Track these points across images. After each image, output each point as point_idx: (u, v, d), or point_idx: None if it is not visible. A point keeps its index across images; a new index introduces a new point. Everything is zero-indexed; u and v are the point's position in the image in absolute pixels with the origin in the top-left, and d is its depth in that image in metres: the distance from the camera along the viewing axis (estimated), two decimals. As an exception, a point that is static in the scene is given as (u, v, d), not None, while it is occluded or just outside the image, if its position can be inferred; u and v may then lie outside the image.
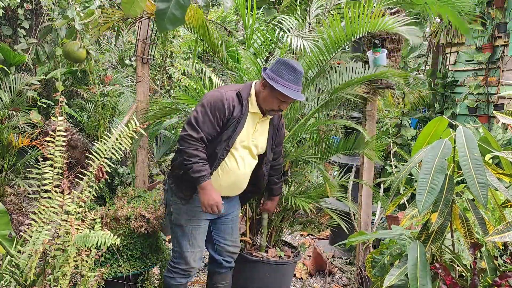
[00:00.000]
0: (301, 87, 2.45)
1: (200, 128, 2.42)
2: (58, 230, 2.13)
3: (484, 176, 1.57)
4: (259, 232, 3.19)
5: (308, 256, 4.16)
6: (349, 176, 3.69)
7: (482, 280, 1.77)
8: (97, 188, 2.33)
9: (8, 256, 2.09)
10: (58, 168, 2.24)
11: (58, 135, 2.25)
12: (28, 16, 5.54)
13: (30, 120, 4.60)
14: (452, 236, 1.96)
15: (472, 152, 1.62)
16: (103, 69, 5.91)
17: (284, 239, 3.46)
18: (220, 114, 2.43)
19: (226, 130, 2.47)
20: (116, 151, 2.33)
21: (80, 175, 2.32)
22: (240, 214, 3.24)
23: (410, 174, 4.66)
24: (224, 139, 2.47)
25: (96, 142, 2.39)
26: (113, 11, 3.29)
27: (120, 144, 2.34)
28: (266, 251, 3.17)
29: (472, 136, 1.68)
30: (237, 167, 2.55)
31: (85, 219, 2.26)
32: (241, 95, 2.49)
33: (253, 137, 2.56)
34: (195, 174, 2.39)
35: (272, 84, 2.38)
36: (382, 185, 4.07)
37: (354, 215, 3.79)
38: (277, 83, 2.38)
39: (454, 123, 1.91)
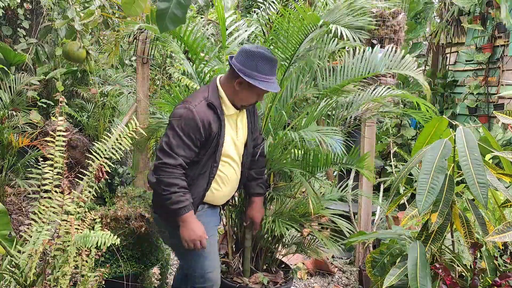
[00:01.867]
0: (275, 76, 2.25)
1: (176, 154, 2.16)
2: (58, 230, 2.13)
3: (484, 176, 1.57)
4: (243, 253, 2.87)
5: (308, 256, 4.16)
6: (349, 180, 3.65)
7: (482, 280, 1.76)
8: (97, 188, 2.33)
9: (8, 256, 2.09)
10: (58, 168, 2.24)
11: (58, 135, 2.25)
12: (28, 16, 5.54)
13: (30, 120, 4.60)
14: (452, 236, 1.96)
15: (472, 152, 1.62)
16: (103, 69, 5.91)
17: (281, 258, 3.13)
18: (195, 135, 2.19)
19: (208, 149, 2.26)
20: (116, 151, 2.33)
21: (80, 175, 2.32)
22: (222, 233, 3.06)
23: (410, 174, 4.66)
24: (209, 159, 2.27)
25: (96, 142, 2.39)
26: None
27: (120, 144, 2.34)
28: (251, 276, 2.85)
29: (472, 136, 1.68)
30: (234, 172, 2.40)
31: (85, 219, 2.26)
32: (214, 104, 2.24)
33: (237, 137, 2.38)
34: (174, 205, 2.15)
35: (253, 82, 2.17)
36: (382, 185, 4.07)
37: (354, 215, 3.79)
38: (258, 81, 2.17)
39: (454, 123, 1.91)
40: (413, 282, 1.60)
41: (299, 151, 2.73)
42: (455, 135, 1.80)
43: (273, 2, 3.04)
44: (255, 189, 2.58)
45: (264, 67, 2.18)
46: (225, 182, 2.38)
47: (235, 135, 2.37)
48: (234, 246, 2.95)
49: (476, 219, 1.86)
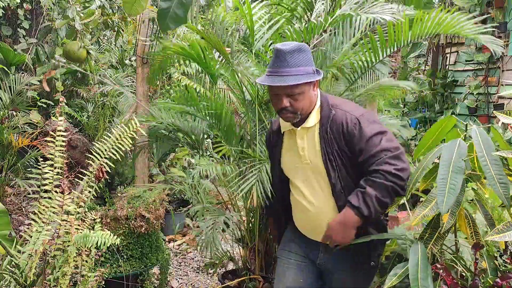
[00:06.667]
0: (285, 69, 1.80)
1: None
2: (58, 230, 2.13)
3: (504, 176, 1.55)
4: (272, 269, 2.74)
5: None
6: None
7: (483, 281, 1.76)
8: (97, 188, 2.33)
9: (8, 256, 2.09)
10: (58, 168, 2.24)
11: (58, 135, 2.25)
12: (28, 16, 5.54)
13: (30, 120, 4.60)
14: (455, 236, 1.96)
15: (489, 152, 1.61)
16: (103, 69, 5.91)
17: None
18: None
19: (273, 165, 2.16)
20: (116, 151, 2.33)
21: (80, 175, 2.32)
22: (249, 247, 2.90)
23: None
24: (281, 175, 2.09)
25: (96, 142, 2.39)
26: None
27: (120, 144, 2.34)
28: None
29: (486, 135, 1.67)
30: (302, 204, 1.97)
31: (85, 219, 2.26)
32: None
33: (301, 158, 1.94)
34: None
35: (257, 80, 1.95)
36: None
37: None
38: (262, 77, 1.91)
39: (460, 123, 1.91)
40: (414, 283, 1.60)
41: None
42: (465, 135, 1.80)
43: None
44: (351, 194, 1.83)
45: (272, 60, 1.87)
46: (295, 210, 2.05)
47: (296, 156, 1.96)
48: (260, 261, 2.85)
49: (485, 219, 1.85)
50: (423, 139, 2.01)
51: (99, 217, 2.44)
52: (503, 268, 1.87)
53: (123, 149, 2.33)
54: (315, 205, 1.93)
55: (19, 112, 4.63)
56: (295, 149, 1.96)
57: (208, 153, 4.46)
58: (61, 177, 2.23)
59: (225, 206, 3.10)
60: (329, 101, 1.93)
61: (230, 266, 3.22)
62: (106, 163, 2.31)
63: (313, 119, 1.91)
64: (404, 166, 1.75)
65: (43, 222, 2.14)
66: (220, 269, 3.22)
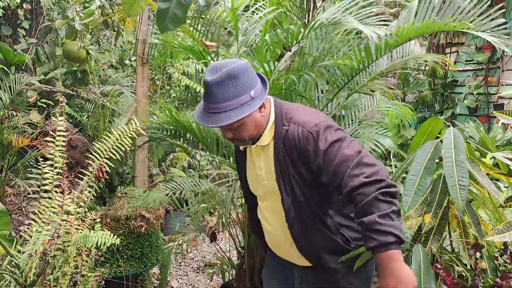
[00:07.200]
0: (215, 105, 1.56)
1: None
2: (58, 230, 2.13)
3: (466, 179, 1.54)
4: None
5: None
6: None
7: (482, 281, 1.76)
8: (97, 188, 2.33)
9: (8, 256, 2.09)
10: (58, 168, 2.24)
11: (58, 135, 2.25)
12: (28, 16, 5.54)
13: (30, 120, 4.61)
14: (450, 236, 1.96)
15: (458, 154, 1.61)
16: (102, 69, 5.91)
17: None
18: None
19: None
20: (116, 151, 2.33)
21: (80, 175, 2.32)
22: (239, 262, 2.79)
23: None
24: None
25: (96, 142, 2.39)
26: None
27: (120, 144, 2.34)
28: None
29: (461, 138, 1.66)
30: (266, 221, 1.85)
31: (85, 219, 2.26)
32: None
33: (258, 178, 1.80)
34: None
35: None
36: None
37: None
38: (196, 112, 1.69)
39: (448, 124, 1.91)
40: (418, 286, 1.60)
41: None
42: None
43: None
44: (364, 241, 1.53)
45: (203, 93, 1.63)
46: (264, 224, 1.90)
47: (255, 174, 1.81)
48: (251, 275, 2.72)
49: (471, 220, 1.85)
50: (413, 141, 2.00)
51: (99, 217, 2.44)
52: (503, 268, 1.87)
53: (123, 149, 2.33)
54: (273, 226, 1.81)
55: (19, 112, 4.63)
56: (255, 167, 1.79)
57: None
58: (61, 177, 2.23)
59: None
60: (284, 113, 1.70)
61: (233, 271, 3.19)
62: (106, 163, 2.31)
63: (267, 137, 1.70)
64: (373, 170, 1.50)
65: (43, 222, 2.14)
66: (220, 279, 3.20)
